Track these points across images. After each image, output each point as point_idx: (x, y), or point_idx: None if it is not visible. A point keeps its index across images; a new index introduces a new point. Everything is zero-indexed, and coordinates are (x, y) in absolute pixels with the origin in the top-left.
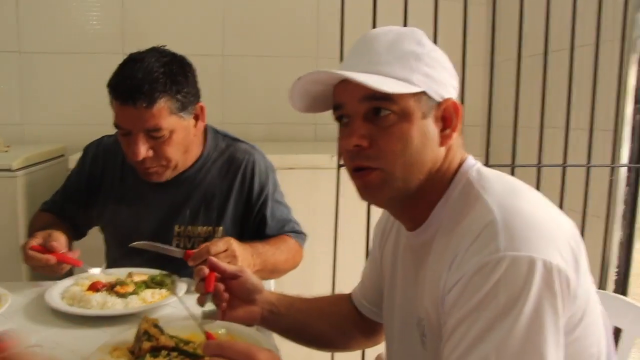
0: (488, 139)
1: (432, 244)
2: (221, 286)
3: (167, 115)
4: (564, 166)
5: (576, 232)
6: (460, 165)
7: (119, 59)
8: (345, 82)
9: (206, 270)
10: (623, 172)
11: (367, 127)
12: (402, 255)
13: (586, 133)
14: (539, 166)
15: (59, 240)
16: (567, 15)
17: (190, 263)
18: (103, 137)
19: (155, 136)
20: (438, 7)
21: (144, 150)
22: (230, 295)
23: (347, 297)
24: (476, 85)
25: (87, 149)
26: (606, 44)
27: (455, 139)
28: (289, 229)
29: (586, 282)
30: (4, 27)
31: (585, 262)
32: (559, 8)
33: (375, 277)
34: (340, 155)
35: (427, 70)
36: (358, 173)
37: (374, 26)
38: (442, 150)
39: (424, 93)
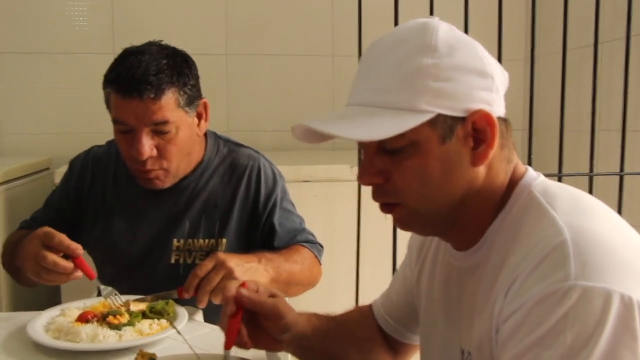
0: (530, 145)
1: (486, 265)
2: (244, 331)
3: (174, 108)
4: (621, 174)
5: None
6: (517, 178)
7: (110, 60)
8: None
9: (233, 308)
10: None
11: (382, 161)
12: (444, 276)
13: None
14: (591, 175)
15: (75, 245)
16: (621, 0)
17: (186, 296)
18: (92, 147)
19: (161, 131)
20: None
21: (148, 148)
22: (256, 328)
23: (372, 315)
24: (515, 83)
25: (74, 162)
26: None
27: (498, 153)
28: (302, 239)
29: None
30: None
31: None
32: None
33: (407, 294)
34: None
35: (438, 86)
36: (384, 207)
37: (396, 19)
38: (480, 169)
39: (439, 115)
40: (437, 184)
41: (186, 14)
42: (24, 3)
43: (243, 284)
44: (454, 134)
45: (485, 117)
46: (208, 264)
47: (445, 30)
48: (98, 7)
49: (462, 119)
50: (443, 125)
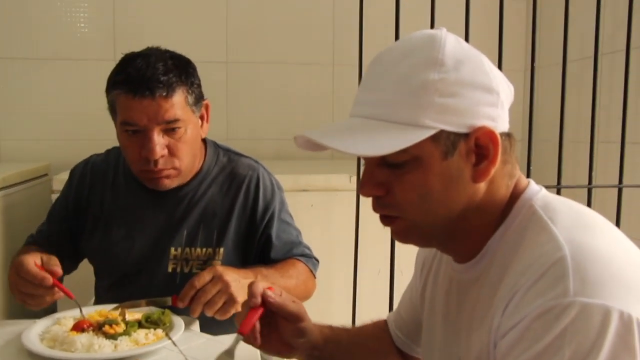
0: (529, 156)
1: (486, 279)
2: (257, 328)
3: (184, 106)
4: (620, 187)
5: None
6: (519, 192)
7: (111, 66)
8: None
9: (258, 301)
10: None
11: (383, 173)
12: (445, 288)
13: None
14: (590, 187)
15: (59, 266)
16: (621, 12)
17: (180, 305)
18: (91, 156)
19: (172, 128)
20: (470, 4)
21: (160, 147)
22: (272, 331)
23: (387, 329)
24: (514, 94)
25: (73, 171)
26: None
27: (500, 169)
28: (298, 253)
29: None
30: None
31: None
32: (611, 3)
33: (414, 308)
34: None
35: (443, 101)
36: (384, 219)
37: (397, 28)
38: (482, 185)
39: (442, 131)
40: (437, 199)
41: (187, 22)
42: (24, 8)
43: (269, 288)
44: (457, 149)
45: (489, 134)
46: (206, 276)
47: (453, 43)
48: (99, 13)
49: (465, 135)
50: (446, 141)
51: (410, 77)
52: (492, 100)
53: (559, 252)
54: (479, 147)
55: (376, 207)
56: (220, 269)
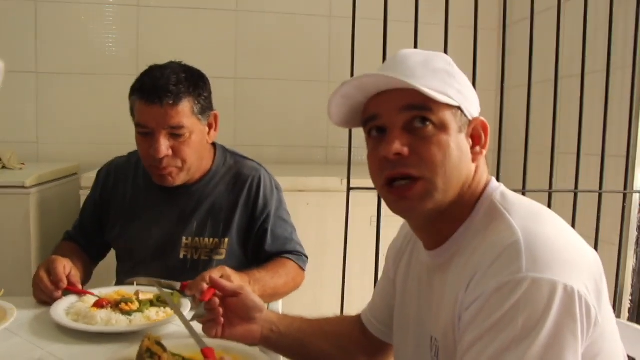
0: (498, 164)
1: (451, 263)
2: (216, 300)
3: (189, 115)
4: (575, 192)
5: (599, 262)
6: (484, 187)
7: (133, 80)
8: (383, 93)
9: (205, 286)
10: (636, 199)
11: (408, 137)
12: (417, 274)
13: (598, 159)
14: (550, 191)
15: (78, 282)
16: (577, 42)
17: (188, 292)
18: (115, 158)
19: (177, 134)
20: (448, 33)
21: (164, 148)
22: (230, 314)
23: (353, 318)
24: (487, 110)
25: (100, 172)
26: (617, 71)
27: (483, 159)
28: (290, 248)
29: (607, 312)
30: (23, 48)
31: (606, 293)
32: (569, 34)
33: (387, 296)
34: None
35: (459, 87)
36: (397, 184)
37: (384, 51)
38: (473, 167)
39: (458, 108)
40: (454, 165)
41: (201, 43)
42: (60, 30)
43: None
44: (464, 129)
45: (482, 124)
46: (216, 273)
47: None
48: (125, 35)
49: (469, 120)
50: (460, 119)
51: (433, 62)
52: (477, 107)
53: (514, 237)
54: (474, 135)
55: (397, 167)
56: (229, 270)
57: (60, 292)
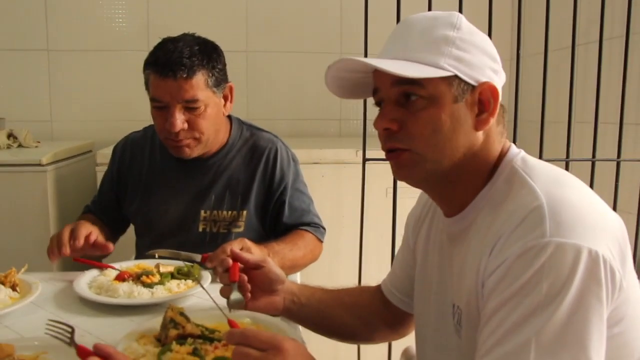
0: (514, 134)
1: (472, 229)
2: (245, 276)
3: (203, 88)
4: (593, 160)
5: (623, 227)
6: (503, 153)
7: (145, 56)
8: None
9: (230, 261)
10: None
11: (398, 112)
12: (437, 242)
13: (616, 127)
14: (567, 160)
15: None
16: (595, 7)
17: (209, 265)
18: (131, 133)
19: (192, 107)
20: (462, 1)
21: (180, 122)
22: (252, 286)
23: (373, 289)
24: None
25: (116, 147)
26: (636, 36)
27: (495, 126)
28: (308, 220)
29: (632, 277)
30: (34, 26)
31: (631, 258)
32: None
33: (407, 266)
34: (364, 148)
35: (459, 54)
36: (391, 154)
37: (398, 18)
38: (480, 134)
39: (455, 77)
40: (445, 136)
41: (212, 17)
42: (70, 6)
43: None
44: (464, 98)
45: (491, 88)
46: (236, 245)
47: (467, 21)
48: (135, 11)
49: (472, 88)
50: (457, 87)
51: (433, 30)
52: (495, 67)
53: (537, 201)
54: (482, 102)
55: (387, 142)
56: (249, 242)
57: (68, 250)
